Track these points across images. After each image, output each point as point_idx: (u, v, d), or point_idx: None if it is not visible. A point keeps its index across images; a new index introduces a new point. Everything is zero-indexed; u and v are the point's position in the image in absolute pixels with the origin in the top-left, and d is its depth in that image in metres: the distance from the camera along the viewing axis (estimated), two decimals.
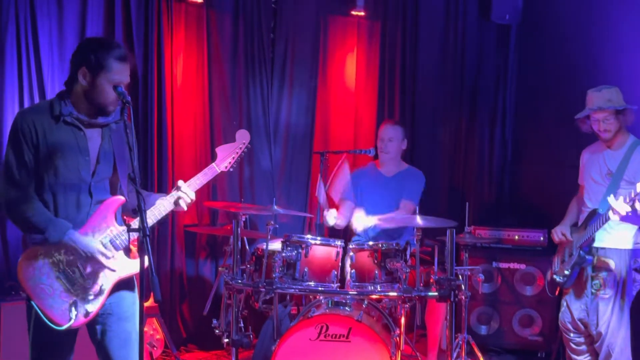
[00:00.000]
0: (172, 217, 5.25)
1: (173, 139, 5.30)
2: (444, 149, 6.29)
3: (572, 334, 4.27)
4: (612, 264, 4.04)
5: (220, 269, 4.85)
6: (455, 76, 6.25)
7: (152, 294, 2.36)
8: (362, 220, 4.52)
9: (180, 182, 2.93)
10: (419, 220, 3.96)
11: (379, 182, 4.99)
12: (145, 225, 2.32)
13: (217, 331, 4.29)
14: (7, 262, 4.62)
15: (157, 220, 2.85)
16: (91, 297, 2.75)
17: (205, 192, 5.39)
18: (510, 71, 6.28)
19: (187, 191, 2.91)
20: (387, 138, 4.94)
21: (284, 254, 3.95)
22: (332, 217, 4.69)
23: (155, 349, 4.75)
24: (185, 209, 2.93)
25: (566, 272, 4.16)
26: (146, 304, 4.37)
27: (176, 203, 2.89)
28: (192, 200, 2.92)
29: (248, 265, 4.26)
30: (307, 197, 5.80)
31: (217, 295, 5.03)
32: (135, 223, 2.65)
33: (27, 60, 4.65)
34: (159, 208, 2.87)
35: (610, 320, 4.03)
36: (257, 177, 5.66)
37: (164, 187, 5.06)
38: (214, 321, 4.35)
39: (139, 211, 2.35)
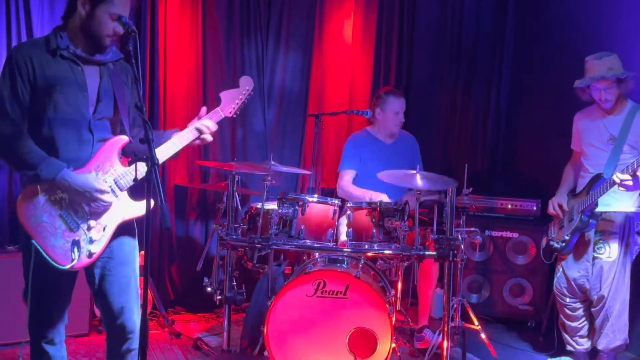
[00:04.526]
0: (161, 175, 5.14)
1: (165, 97, 5.19)
2: (438, 117, 6.25)
3: (568, 299, 4.25)
4: (615, 227, 4.02)
5: (214, 226, 4.77)
6: (452, 44, 6.20)
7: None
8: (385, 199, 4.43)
9: (203, 109, 2.95)
10: (419, 180, 3.90)
11: (380, 150, 4.93)
12: (154, 154, 2.23)
13: (209, 289, 4.20)
14: None
15: (177, 150, 2.81)
16: (95, 237, 2.66)
17: (196, 153, 5.29)
18: (507, 40, 6.22)
19: (208, 122, 2.89)
20: (402, 110, 4.91)
21: (280, 211, 3.88)
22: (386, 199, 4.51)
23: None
24: (211, 138, 2.89)
25: (566, 238, 4.12)
26: None
27: (200, 131, 2.84)
28: (215, 130, 2.90)
29: (241, 224, 4.17)
30: (300, 160, 5.71)
31: (207, 255, 4.95)
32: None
33: (16, 15, 4.50)
34: (179, 138, 2.82)
35: (612, 284, 4.02)
36: (250, 139, 5.56)
37: None
38: (205, 280, 4.27)
39: (146, 140, 2.25)
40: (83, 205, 2.64)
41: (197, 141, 2.89)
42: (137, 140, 2.59)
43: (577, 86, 4.13)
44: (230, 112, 3.04)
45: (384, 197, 4.44)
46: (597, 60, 4.02)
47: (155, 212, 4.90)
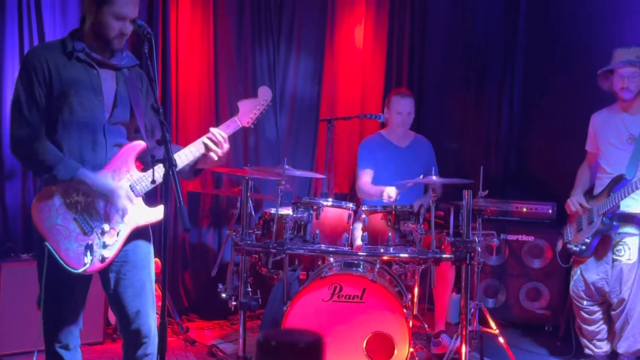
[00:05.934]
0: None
1: (177, 104, 5.19)
2: (451, 120, 6.21)
3: (585, 302, 4.18)
4: (635, 229, 3.96)
5: (228, 231, 4.75)
6: (464, 46, 6.17)
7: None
8: (392, 192, 4.40)
9: (211, 128, 2.84)
10: (435, 179, 3.88)
11: (394, 154, 4.89)
12: (171, 155, 2.20)
13: (223, 295, 4.18)
14: (5, 224, 4.54)
15: (186, 163, 2.75)
16: (108, 242, 2.63)
17: None
18: (519, 41, 6.17)
19: (216, 132, 2.80)
20: (406, 112, 4.84)
21: (295, 215, 3.85)
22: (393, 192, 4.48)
23: (157, 315, 4.64)
24: (216, 157, 2.80)
25: (586, 240, 4.04)
26: None
27: (206, 147, 2.77)
28: (223, 139, 2.80)
29: (255, 229, 4.15)
30: (312, 165, 5.69)
31: (221, 262, 4.93)
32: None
33: (28, 21, 4.50)
34: (186, 152, 2.75)
35: (633, 286, 3.95)
36: (262, 145, 5.55)
37: None
38: (220, 286, 4.24)
39: (163, 142, 2.22)
40: (98, 207, 2.62)
41: (206, 164, 2.83)
42: (153, 146, 2.56)
43: (601, 72, 4.09)
44: (248, 122, 2.99)
45: (391, 191, 4.39)
46: (626, 48, 4.01)
47: (169, 219, 4.93)
